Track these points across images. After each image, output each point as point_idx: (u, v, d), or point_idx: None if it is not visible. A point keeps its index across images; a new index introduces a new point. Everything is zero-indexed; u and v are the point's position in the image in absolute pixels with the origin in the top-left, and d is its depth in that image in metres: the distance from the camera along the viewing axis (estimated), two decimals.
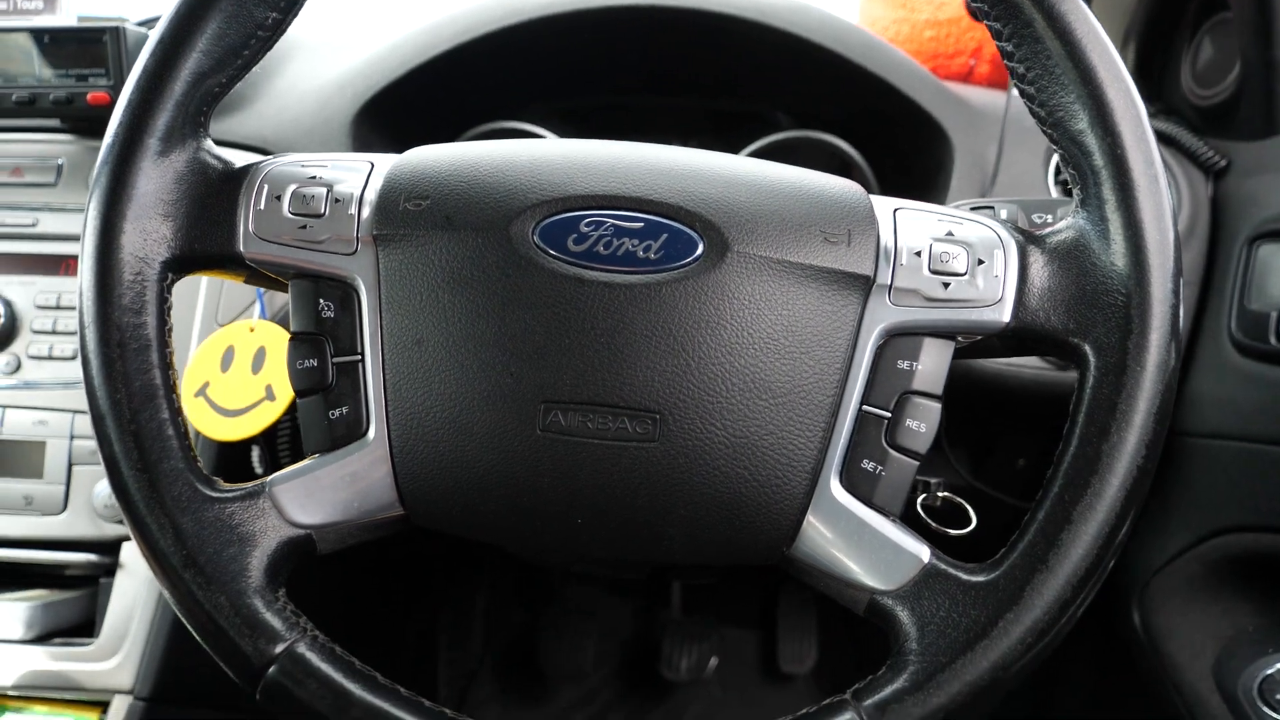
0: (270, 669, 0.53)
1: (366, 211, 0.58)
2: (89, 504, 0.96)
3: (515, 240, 0.55)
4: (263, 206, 0.58)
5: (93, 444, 0.89)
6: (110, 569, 0.97)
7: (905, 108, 0.97)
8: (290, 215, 0.58)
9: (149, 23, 1.06)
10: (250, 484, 0.57)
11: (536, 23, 0.95)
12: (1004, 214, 0.73)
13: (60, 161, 1.02)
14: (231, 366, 0.95)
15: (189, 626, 0.54)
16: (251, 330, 0.96)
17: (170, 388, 0.56)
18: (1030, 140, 0.99)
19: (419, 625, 1.62)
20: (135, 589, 0.96)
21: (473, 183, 0.58)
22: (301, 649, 0.53)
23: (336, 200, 0.58)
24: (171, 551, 0.54)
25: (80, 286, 0.56)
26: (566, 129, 1.12)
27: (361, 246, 0.57)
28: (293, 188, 0.58)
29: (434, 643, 1.66)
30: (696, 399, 0.54)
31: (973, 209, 0.65)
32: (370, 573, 1.38)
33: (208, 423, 0.93)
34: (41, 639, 0.98)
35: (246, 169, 0.59)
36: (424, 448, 0.56)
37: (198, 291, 0.99)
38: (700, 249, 0.55)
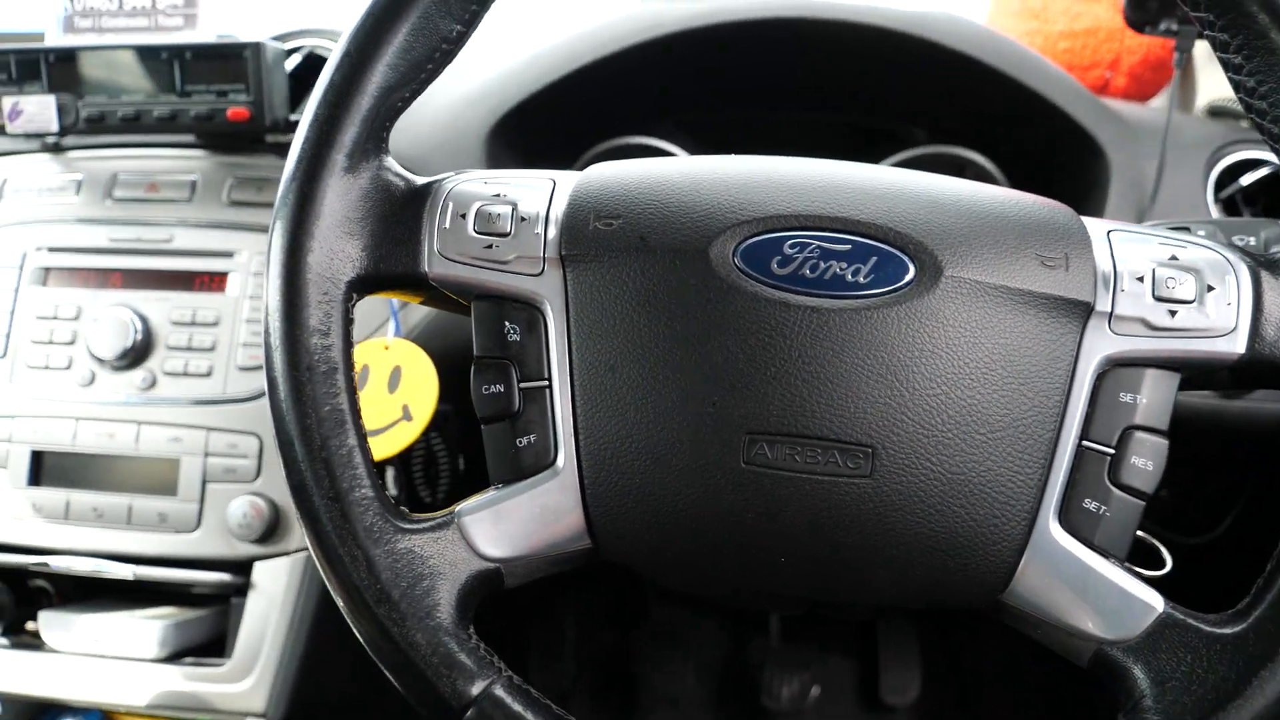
0: (469, 711, 0.51)
1: (553, 231, 0.56)
2: (223, 522, 0.95)
3: (715, 263, 0.53)
4: (448, 225, 0.56)
5: (227, 461, 0.89)
6: (242, 589, 0.96)
7: (1061, 124, 0.93)
8: (475, 234, 0.56)
9: (284, 37, 1.06)
10: (439, 515, 0.55)
11: (680, 35, 0.93)
12: (1201, 234, 0.68)
13: (194, 178, 1.02)
14: (367, 385, 0.94)
15: (380, 664, 0.52)
16: (386, 349, 0.95)
17: (357, 413, 0.54)
18: (1190, 158, 0.95)
19: (509, 644, 1.60)
20: (267, 609, 0.95)
21: (667, 202, 0.55)
22: (499, 691, 0.51)
23: (522, 219, 0.56)
24: (365, 585, 0.52)
25: (266, 307, 0.54)
26: (693, 144, 1.09)
27: (548, 267, 0.55)
28: (477, 205, 0.57)
29: (524, 663, 1.64)
30: (911, 432, 0.51)
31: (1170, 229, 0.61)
32: None
33: None
34: (172, 658, 0.97)
35: (430, 186, 0.57)
36: (618, 478, 0.54)
37: None
38: (911, 273, 0.52)
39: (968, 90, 0.95)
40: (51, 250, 1.03)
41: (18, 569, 1.00)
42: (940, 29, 0.91)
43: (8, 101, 0.99)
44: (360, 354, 0.95)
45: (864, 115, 1.07)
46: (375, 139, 0.56)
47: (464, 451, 1.00)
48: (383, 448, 0.92)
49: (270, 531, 0.95)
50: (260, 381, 0.97)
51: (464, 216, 0.56)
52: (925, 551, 0.52)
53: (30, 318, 1.02)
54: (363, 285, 0.56)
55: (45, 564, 0.98)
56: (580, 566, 0.57)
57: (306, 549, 0.93)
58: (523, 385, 0.56)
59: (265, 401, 0.91)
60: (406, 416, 0.93)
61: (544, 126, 1.02)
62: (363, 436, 0.54)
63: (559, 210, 0.56)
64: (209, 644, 1.01)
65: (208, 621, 1.01)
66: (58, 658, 0.98)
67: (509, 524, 0.55)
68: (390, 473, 0.95)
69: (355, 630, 0.53)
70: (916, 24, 0.91)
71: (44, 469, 1.00)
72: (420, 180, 0.58)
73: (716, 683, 1.64)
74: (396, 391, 0.94)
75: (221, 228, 1.01)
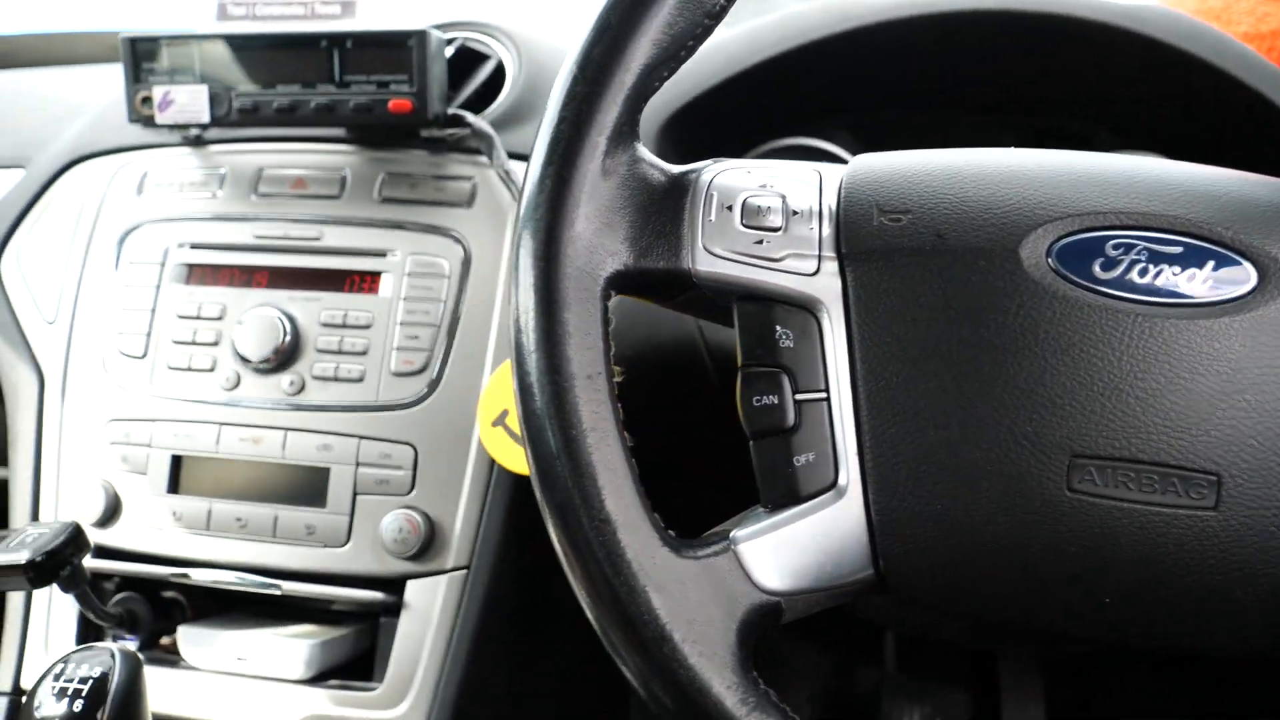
0: None
1: (828, 227, 0.50)
2: (375, 537, 0.89)
3: (1027, 263, 0.47)
4: (713, 218, 0.51)
5: (379, 472, 0.83)
6: (392, 607, 0.91)
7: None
8: (743, 228, 0.50)
9: (445, 27, 1.01)
10: (711, 540, 0.49)
11: (874, 28, 0.87)
12: None
13: (344, 173, 0.98)
14: None
15: (660, 706, 0.46)
16: None
17: (621, 422, 0.48)
18: None
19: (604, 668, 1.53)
20: (422, 630, 0.89)
21: (964, 195, 0.49)
22: None
23: (794, 212, 0.50)
24: (643, 621, 0.46)
25: (517, 306, 0.48)
26: (856, 146, 1.03)
27: (824, 266, 0.50)
28: (744, 197, 0.51)
29: (624, 690, 1.58)
30: (1261, 459, 0.45)
31: None
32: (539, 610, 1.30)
33: (508, 455, 0.86)
34: (317, 679, 0.92)
35: (691, 173, 0.52)
36: (914, 503, 0.48)
37: (490, 308, 0.92)
38: (1253, 279, 0.46)
39: (1181, 93, 0.88)
40: (194, 247, 0.99)
41: (154, 580, 0.95)
42: (1160, 25, 0.85)
43: (159, 91, 0.94)
44: None
45: (1048, 116, 1.01)
46: (632, 122, 0.50)
47: None
48: None
49: (425, 548, 0.89)
50: (416, 388, 0.91)
51: (730, 209, 0.51)
52: (1276, 597, 0.45)
53: (171, 317, 0.97)
54: (621, 283, 0.50)
55: (185, 575, 0.93)
56: (854, 600, 0.51)
57: (464, 568, 0.87)
58: (798, 397, 0.50)
59: (422, 410, 0.87)
60: None
61: (712, 122, 0.96)
62: (629, 450, 0.48)
63: (831, 203, 0.51)
64: (350, 665, 0.95)
65: (350, 641, 0.96)
66: (196, 675, 0.93)
67: (790, 553, 0.49)
68: None
69: (628, 670, 0.47)
70: (1135, 19, 0.84)
71: (184, 476, 0.95)
72: (677, 169, 0.53)
73: (823, 710, 1.58)
74: None
75: (373, 225, 0.96)
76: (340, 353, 0.93)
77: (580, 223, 0.49)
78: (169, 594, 1.00)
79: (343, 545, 0.91)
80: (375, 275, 0.95)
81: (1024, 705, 1.52)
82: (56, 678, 0.71)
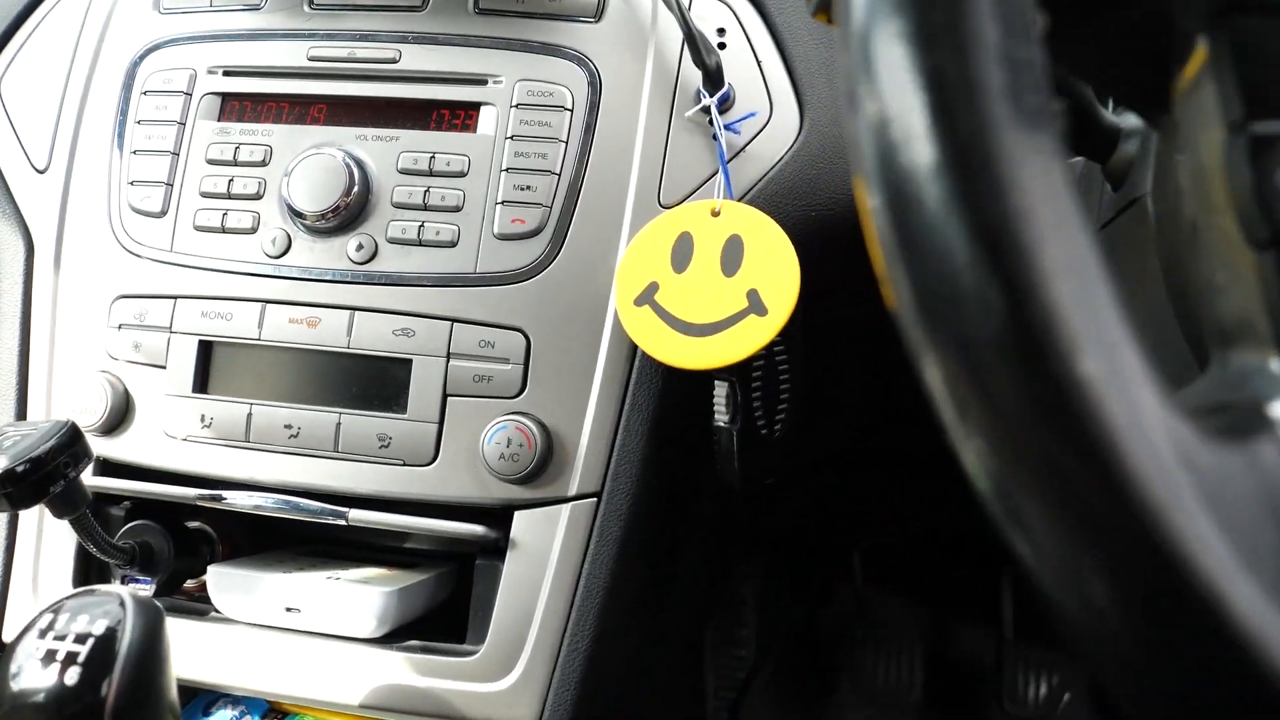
0: None
1: None
2: (471, 452, 0.67)
3: None
4: None
5: (479, 366, 0.62)
6: (494, 546, 0.68)
7: None
8: None
9: None
10: (1250, 420, 0.25)
11: None
12: None
13: None
14: (691, 264, 0.65)
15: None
16: (715, 214, 0.66)
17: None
18: None
19: (681, 621, 1.33)
20: (533, 576, 0.66)
21: None
22: None
23: None
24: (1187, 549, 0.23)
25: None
26: None
27: None
28: None
29: (700, 641, 1.37)
30: None
31: None
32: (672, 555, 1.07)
33: (660, 341, 0.63)
34: (392, 638, 0.69)
35: None
36: None
37: (628, 149, 0.69)
38: None
39: None
40: (229, 73, 0.75)
41: (176, 506, 0.72)
42: None
43: None
44: (676, 221, 0.66)
45: None
46: None
47: (808, 369, 0.71)
48: (721, 350, 0.63)
49: (540, 468, 0.66)
50: (528, 255, 0.68)
51: None
52: None
53: (200, 163, 0.74)
54: None
55: (218, 499, 0.70)
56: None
57: (593, 495, 0.64)
58: None
59: (537, 285, 0.63)
60: (757, 308, 0.63)
61: None
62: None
63: None
64: (430, 621, 0.73)
65: (431, 588, 0.73)
66: (230, 631, 0.71)
67: None
68: (721, 390, 0.66)
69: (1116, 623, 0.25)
70: None
71: (216, 370, 0.72)
72: None
73: (929, 677, 1.38)
74: (738, 273, 0.65)
75: (469, 44, 0.72)
76: (425, 208, 0.70)
77: None
78: (195, 524, 0.77)
79: (428, 463, 0.68)
80: (472, 108, 0.71)
81: None
82: (43, 633, 0.49)
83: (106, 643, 0.49)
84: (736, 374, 0.65)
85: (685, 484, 0.74)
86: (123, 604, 0.52)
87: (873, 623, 1.37)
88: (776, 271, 0.64)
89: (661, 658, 0.83)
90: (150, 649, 0.51)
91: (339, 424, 0.69)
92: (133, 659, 0.47)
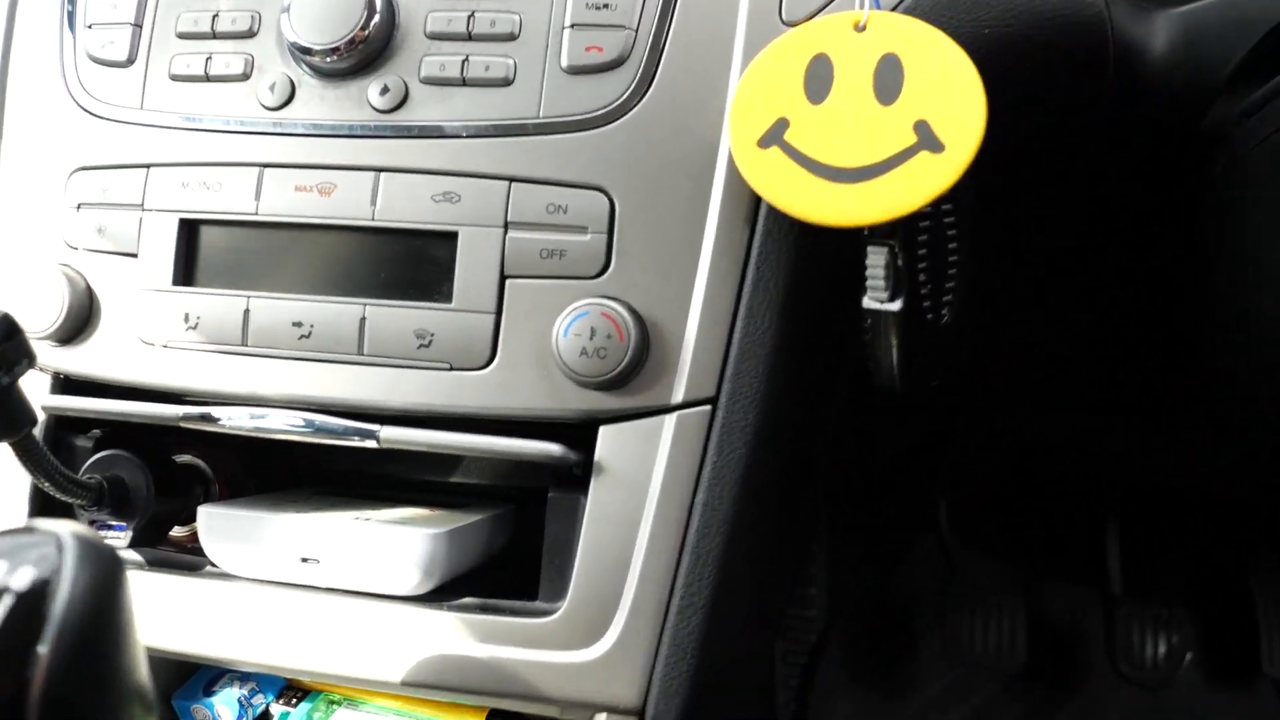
0: None
1: None
2: (541, 351, 0.50)
3: None
4: None
5: (546, 237, 0.46)
6: (571, 474, 0.52)
7: None
8: None
9: None
10: None
11: None
12: None
13: None
14: (832, 92, 0.49)
15: None
16: (860, 29, 0.49)
17: None
18: None
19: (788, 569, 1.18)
20: (627, 511, 0.50)
21: None
22: None
23: None
24: None
25: None
26: None
27: None
28: None
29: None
30: None
31: None
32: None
33: (795, 191, 0.47)
34: (439, 595, 0.53)
35: None
36: None
37: None
38: None
39: None
40: None
41: (156, 430, 0.56)
42: None
43: None
44: (807, 40, 0.50)
45: None
46: None
47: (974, 243, 0.54)
48: (882, 200, 0.47)
49: (634, 367, 0.50)
50: (609, 92, 0.52)
51: None
52: None
53: None
54: None
55: (210, 418, 0.54)
56: None
57: (706, 401, 0.48)
58: None
59: (622, 130, 0.48)
60: (929, 143, 0.47)
61: None
62: None
63: None
64: (483, 573, 0.57)
65: (484, 533, 0.57)
66: (231, 588, 0.55)
67: None
68: (880, 258, 0.49)
69: None
70: None
71: (204, 256, 0.56)
72: None
73: (1027, 638, 1.23)
74: (898, 101, 0.48)
75: None
76: (470, 37, 0.53)
77: None
78: (185, 458, 0.61)
79: (482, 366, 0.52)
80: None
81: None
82: None
83: (32, 602, 0.33)
84: (899, 236, 0.49)
85: (822, 388, 0.57)
86: (60, 547, 0.35)
87: (963, 580, 1.24)
88: (953, 96, 0.48)
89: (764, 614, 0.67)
90: (100, 611, 0.34)
91: (364, 319, 0.53)
92: (72, 625, 0.31)
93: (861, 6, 0.51)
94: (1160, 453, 1.18)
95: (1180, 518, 1.23)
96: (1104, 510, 1.23)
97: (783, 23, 0.52)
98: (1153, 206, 0.67)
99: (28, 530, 0.37)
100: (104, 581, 0.34)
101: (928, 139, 0.47)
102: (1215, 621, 1.22)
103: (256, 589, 0.54)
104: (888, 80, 0.49)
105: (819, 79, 0.49)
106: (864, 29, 0.50)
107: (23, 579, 0.32)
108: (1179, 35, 0.57)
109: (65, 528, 0.34)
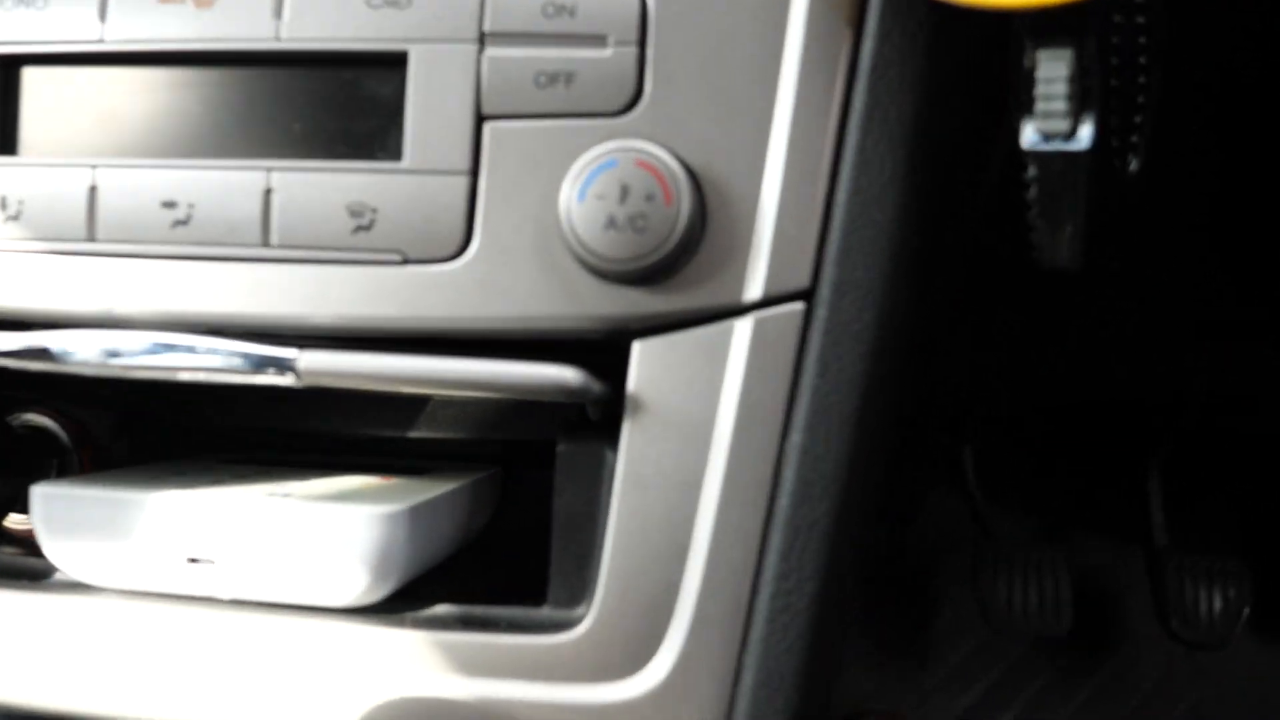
0: None
1: None
2: (542, 227, 0.32)
3: None
4: None
5: (543, 53, 0.29)
6: (586, 418, 0.34)
7: None
8: None
9: None
10: None
11: None
12: None
13: None
14: None
15: None
16: None
17: None
18: None
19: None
20: (681, 470, 0.32)
21: None
22: None
23: None
24: None
25: None
26: None
27: None
28: None
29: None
30: None
31: None
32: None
33: None
34: (400, 604, 0.35)
35: None
36: None
37: None
38: None
39: None
40: None
41: None
42: None
43: None
44: None
45: None
46: None
47: (1167, 55, 0.36)
48: None
49: (685, 248, 0.32)
50: None
51: None
52: None
53: None
54: None
55: (42, 351, 0.35)
56: None
57: (798, 295, 0.30)
58: None
59: None
60: None
61: None
62: None
63: None
64: (460, 567, 0.39)
65: (458, 508, 0.40)
66: (88, 605, 0.37)
67: None
68: (1059, 66, 0.31)
69: None
70: None
71: (29, 110, 0.38)
72: None
73: (1068, 596, 1.11)
74: None
75: None
76: None
77: None
78: (28, 418, 0.42)
79: (452, 256, 0.34)
80: None
81: None
82: None
83: None
84: (1087, 36, 0.31)
85: (959, 274, 0.40)
86: None
87: (992, 536, 1.12)
88: None
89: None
90: None
91: (269, 192, 0.35)
92: None
93: None
94: (1207, 381, 1.04)
95: (1228, 457, 1.11)
96: (1144, 453, 1.10)
97: None
98: None
99: None
100: None
101: None
102: (1274, 571, 1.11)
103: (124, 605, 0.36)
104: None
105: None
106: None
107: None
108: None
109: None
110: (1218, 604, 1.08)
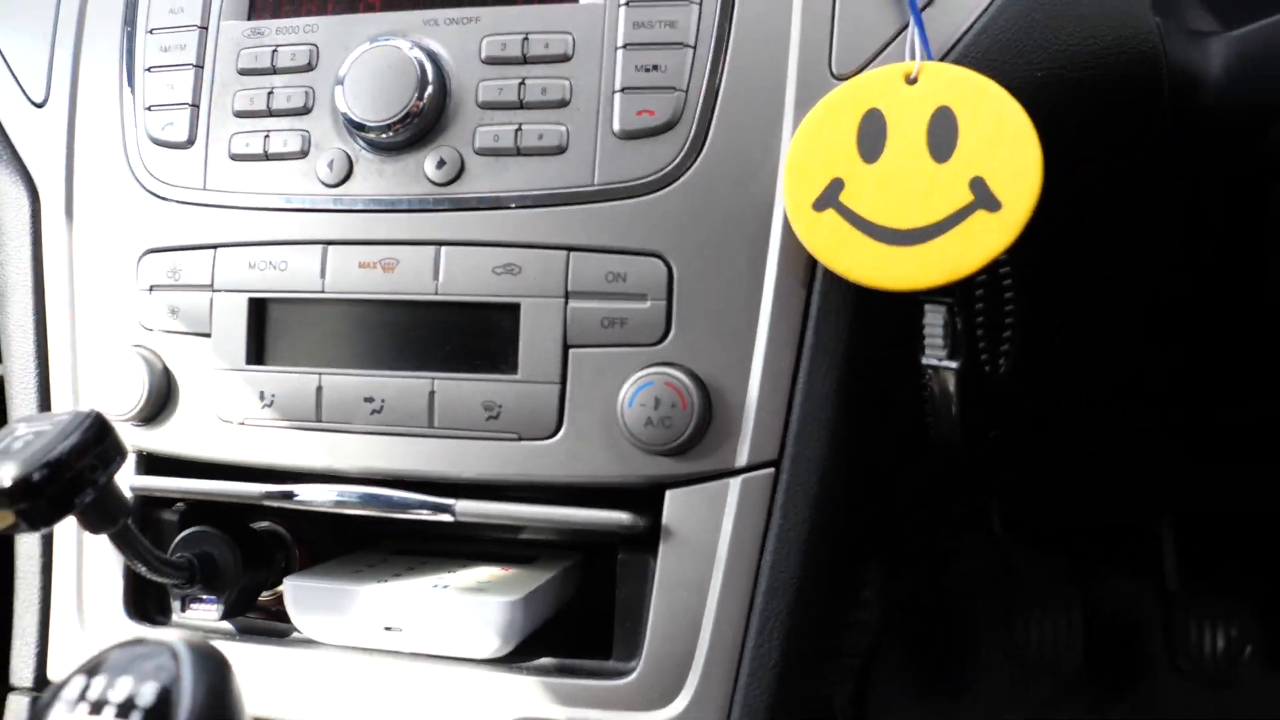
0: None
1: None
2: (607, 420, 0.51)
3: None
4: None
5: (608, 306, 0.47)
6: (640, 536, 0.53)
7: None
8: None
9: None
10: None
11: None
12: None
13: None
14: (886, 150, 0.48)
15: None
16: (911, 80, 0.49)
17: None
18: None
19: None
20: (696, 573, 0.51)
21: None
22: None
23: None
24: None
25: None
26: None
27: None
28: None
29: None
30: None
31: None
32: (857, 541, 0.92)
33: (852, 255, 0.47)
34: (517, 655, 0.54)
35: None
36: None
37: (788, 10, 0.52)
38: None
39: None
40: None
41: (238, 506, 0.58)
42: None
43: None
44: (857, 95, 0.49)
45: None
46: None
47: (1031, 294, 0.54)
48: (944, 261, 0.47)
49: (699, 433, 0.50)
50: (662, 157, 0.52)
51: None
52: None
53: (230, 74, 0.58)
54: None
55: (290, 495, 0.55)
56: None
57: (769, 465, 0.49)
58: None
59: (677, 195, 0.48)
60: (985, 201, 0.47)
61: None
62: None
63: None
64: (554, 626, 0.58)
65: (555, 590, 0.59)
66: (315, 656, 0.57)
67: None
68: (938, 318, 0.49)
69: None
70: None
71: (274, 334, 0.57)
72: None
73: (1083, 636, 1.22)
74: (953, 157, 0.48)
75: None
76: (521, 105, 0.54)
77: None
78: (264, 525, 0.63)
79: (549, 435, 0.53)
80: None
81: None
82: (76, 703, 0.35)
83: (159, 715, 0.35)
84: (957, 294, 0.49)
85: (883, 446, 0.58)
86: (176, 656, 0.38)
87: (1017, 578, 1.22)
88: (1008, 151, 0.47)
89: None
90: (219, 714, 0.37)
91: (432, 393, 0.54)
92: None
93: (912, 56, 0.50)
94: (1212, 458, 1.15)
95: (1235, 514, 1.20)
96: (1158, 507, 1.20)
97: (833, 76, 0.52)
98: (1212, 235, 0.66)
99: (138, 642, 0.39)
100: (218, 684, 0.36)
101: (984, 197, 0.47)
102: (1275, 612, 1.19)
103: (343, 655, 0.56)
104: (941, 136, 0.48)
105: (872, 136, 0.49)
106: (915, 80, 0.49)
107: (148, 693, 0.34)
108: (1234, 59, 0.56)
109: (175, 637, 0.36)
110: (1220, 642, 1.16)
